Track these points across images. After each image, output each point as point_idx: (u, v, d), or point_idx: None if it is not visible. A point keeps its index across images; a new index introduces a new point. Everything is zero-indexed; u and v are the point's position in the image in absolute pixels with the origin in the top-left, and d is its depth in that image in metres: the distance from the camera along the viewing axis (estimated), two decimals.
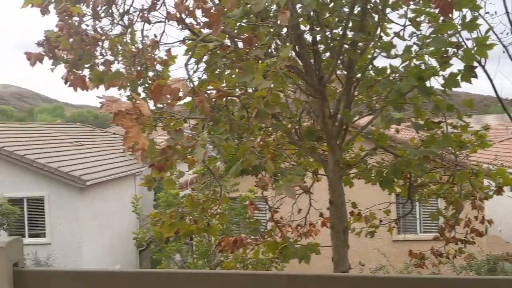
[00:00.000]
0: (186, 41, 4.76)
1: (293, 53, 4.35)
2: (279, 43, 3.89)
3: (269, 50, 3.46)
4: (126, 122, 2.53)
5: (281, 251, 4.15)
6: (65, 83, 4.63)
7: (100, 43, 4.67)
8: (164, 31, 4.83)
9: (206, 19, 2.92)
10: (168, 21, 4.54)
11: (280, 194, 3.12)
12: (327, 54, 4.89)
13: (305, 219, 5.46)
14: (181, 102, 3.41)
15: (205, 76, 4.59)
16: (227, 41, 4.42)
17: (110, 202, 15.73)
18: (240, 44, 4.08)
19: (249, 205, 5.10)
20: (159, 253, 9.06)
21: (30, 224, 13.98)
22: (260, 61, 3.11)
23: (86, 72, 4.36)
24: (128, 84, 4.48)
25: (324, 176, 5.08)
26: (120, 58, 5.05)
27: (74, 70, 4.06)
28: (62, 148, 16.36)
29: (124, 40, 5.06)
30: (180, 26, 4.38)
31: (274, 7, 3.77)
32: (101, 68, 4.27)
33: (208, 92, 2.92)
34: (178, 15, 4.18)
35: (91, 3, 4.30)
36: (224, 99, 3.04)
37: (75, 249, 13.79)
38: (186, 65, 3.14)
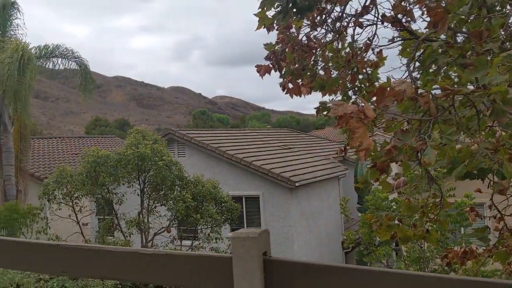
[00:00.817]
0: (399, 40, 4.71)
1: None
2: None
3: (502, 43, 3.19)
4: (353, 123, 2.65)
5: None
6: (283, 90, 5.07)
7: (314, 51, 4.98)
8: (375, 33, 4.88)
9: (429, 18, 2.85)
10: (382, 23, 4.56)
11: None
12: None
13: None
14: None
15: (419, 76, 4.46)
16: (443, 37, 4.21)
17: (315, 203, 16.40)
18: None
19: (470, 212, 4.74)
20: (367, 256, 9.07)
21: (248, 220, 15.57)
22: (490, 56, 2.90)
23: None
24: (340, 89, 4.66)
25: None
26: (330, 64, 5.28)
27: (298, 79, 4.43)
28: (273, 151, 17.77)
29: (335, 46, 5.28)
30: (395, 28, 4.36)
31: None
32: (321, 74, 4.53)
33: (433, 92, 2.84)
34: (394, 16, 4.18)
35: (316, 15, 4.62)
36: (450, 97, 2.91)
37: (287, 246, 14.80)
38: (407, 65, 3.12)
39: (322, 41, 5.11)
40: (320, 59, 5.25)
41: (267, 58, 4.44)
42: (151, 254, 2.51)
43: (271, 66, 4.35)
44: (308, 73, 4.43)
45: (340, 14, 5.05)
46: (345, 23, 5.08)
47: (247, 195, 15.51)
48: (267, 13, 3.92)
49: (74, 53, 17.29)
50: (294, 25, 4.45)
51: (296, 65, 4.37)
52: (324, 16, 4.86)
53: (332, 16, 5.04)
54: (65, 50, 17.12)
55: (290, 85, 4.92)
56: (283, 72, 4.39)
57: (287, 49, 4.33)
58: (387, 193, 8.55)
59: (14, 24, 16.91)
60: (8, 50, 15.08)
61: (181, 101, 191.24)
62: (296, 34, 4.76)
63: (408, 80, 3.30)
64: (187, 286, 2.65)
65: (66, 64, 17.62)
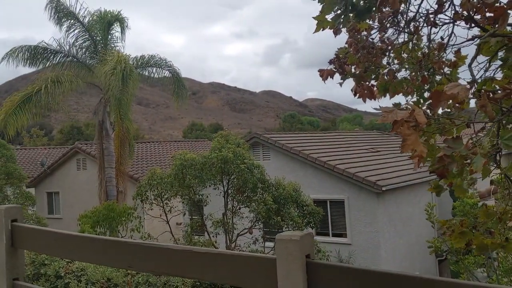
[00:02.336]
0: (476, 39, 4.43)
1: None
2: None
3: None
4: (404, 130, 2.59)
5: None
6: (354, 95, 5.00)
7: (386, 53, 4.85)
8: (452, 32, 4.63)
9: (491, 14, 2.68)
10: (455, 22, 4.33)
11: None
12: None
13: None
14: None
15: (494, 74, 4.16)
16: None
17: (405, 208, 15.74)
18: None
19: None
20: (456, 264, 8.54)
21: (333, 224, 15.39)
22: None
23: (373, 82, 4.60)
24: (415, 90, 4.49)
25: None
26: (407, 66, 5.10)
27: (361, 82, 4.36)
28: (360, 154, 17.39)
29: (409, 46, 5.09)
30: (468, 25, 4.12)
31: None
32: (386, 77, 4.42)
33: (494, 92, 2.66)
34: (465, 13, 3.96)
35: (377, 17, 4.52)
36: None
37: (373, 251, 14.40)
38: (469, 66, 2.95)
39: (395, 42, 4.98)
40: (395, 60, 5.11)
41: (331, 61, 4.43)
42: (205, 253, 2.67)
43: (334, 70, 4.33)
44: (372, 76, 4.34)
45: (414, 14, 4.88)
46: (418, 23, 4.91)
47: (331, 198, 15.34)
48: (326, 16, 3.92)
49: (167, 62, 18.42)
50: (360, 27, 4.38)
51: (360, 68, 4.30)
52: (395, 17, 4.73)
53: (404, 16, 4.89)
54: (159, 59, 18.29)
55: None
56: (346, 75, 4.34)
57: (350, 52, 4.28)
58: (476, 199, 8.00)
59: (114, 37, 18.39)
60: (110, 61, 16.44)
61: (272, 104, 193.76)
62: (365, 36, 4.68)
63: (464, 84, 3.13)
64: (236, 283, 2.79)
65: (160, 73, 18.81)
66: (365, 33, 4.72)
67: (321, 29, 4.07)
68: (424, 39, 5.01)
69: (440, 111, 3.97)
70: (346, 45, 4.76)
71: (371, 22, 4.47)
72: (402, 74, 4.60)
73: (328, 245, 14.27)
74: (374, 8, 3.82)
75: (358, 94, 4.89)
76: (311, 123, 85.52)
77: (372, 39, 4.42)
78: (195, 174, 10.34)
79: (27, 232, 3.39)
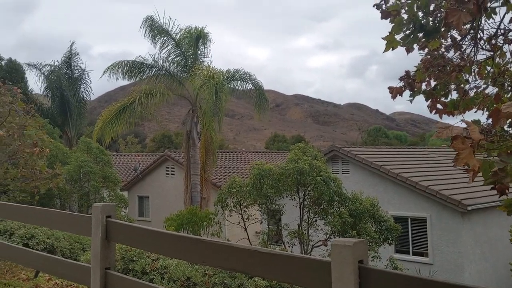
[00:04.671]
0: None
1: None
2: None
3: None
4: (458, 144, 2.71)
5: None
6: (430, 111, 5.05)
7: (462, 70, 4.85)
8: None
9: None
10: None
11: None
12: None
13: None
14: None
15: None
16: None
17: (494, 230, 14.83)
18: None
19: None
20: None
21: (413, 242, 14.92)
22: None
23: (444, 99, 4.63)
24: (487, 105, 4.46)
25: None
26: (489, 82, 5.05)
27: (431, 99, 4.42)
28: (445, 171, 16.69)
29: (490, 63, 5.03)
30: None
31: None
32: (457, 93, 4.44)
33: None
34: None
35: (449, 35, 4.57)
36: None
37: (456, 273, 13.75)
38: None
39: (473, 59, 4.97)
40: (476, 77, 5.08)
41: (401, 78, 4.55)
42: (268, 253, 3.00)
43: (403, 87, 4.44)
44: (442, 93, 4.38)
45: (495, 31, 4.85)
46: (497, 41, 4.87)
47: (412, 216, 14.91)
48: (396, 36, 4.06)
49: (250, 76, 19.13)
50: (431, 46, 4.46)
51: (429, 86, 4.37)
52: (475, 34, 4.74)
53: (483, 34, 4.87)
54: (243, 73, 19.08)
55: (439, 106, 4.90)
56: (415, 93, 4.43)
57: (420, 69, 4.37)
58: None
59: (202, 52, 19.51)
60: (200, 75, 17.47)
61: (357, 117, 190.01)
62: (438, 55, 4.73)
63: None
64: (293, 282, 3.09)
65: (244, 86, 19.58)
66: (443, 50, 4.77)
67: (391, 48, 4.22)
68: (508, 55, 4.95)
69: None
70: (419, 63, 4.85)
71: (443, 41, 4.53)
72: (474, 90, 4.58)
73: (408, 264, 13.86)
74: (443, 29, 3.90)
75: (434, 111, 4.94)
76: (399, 138, 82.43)
77: (444, 56, 4.47)
78: (271, 184, 10.69)
79: (119, 227, 3.91)
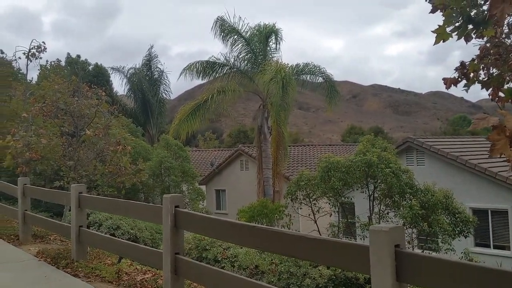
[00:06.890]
0: None
1: None
2: None
3: None
4: (493, 135, 2.79)
5: None
6: (492, 100, 4.97)
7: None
8: None
9: None
10: None
11: None
12: None
13: None
14: None
15: None
16: None
17: None
18: None
19: None
20: None
21: (494, 235, 14.24)
22: None
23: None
24: None
25: None
26: None
27: (492, 87, 4.37)
28: None
29: None
30: None
31: None
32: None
33: None
34: None
35: (506, 22, 4.47)
36: None
37: None
38: None
39: None
40: None
41: (456, 69, 4.54)
42: (314, 239, 3.28)
43: (457, 78, 4.43)
44: (498, 82, 4.32)
45: None
46: None
47: (493, 208, 14.22)
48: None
49: (320, 69, 19.18)
50: (485, 34, 4.41)
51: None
52: None
53: None
54: (313, 67, 19.17)
55: (501, 94, 4.83)
56: (470, 83, 4.40)
57: (475, 60, 4.34)
58: None
59: (272, 48, 19.86)
60: (269, 71, 17.83)
61: (440, 106, 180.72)
62: (499, 42, 4.65)
63: None
64: (335, 265, 3.33)
65: (314, 79, 19.67)
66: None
67: (441, 40, 4.25)
68: None
69: None
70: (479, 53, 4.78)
71: (498, 29, 4.46)
72: None
73: (489, 257, 13.29)
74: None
75: (497, 99, 4.87)
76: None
77: (499, 45, 4.39)
78: (339, 177, 10.79)
79: (186, 216, 4.37)
